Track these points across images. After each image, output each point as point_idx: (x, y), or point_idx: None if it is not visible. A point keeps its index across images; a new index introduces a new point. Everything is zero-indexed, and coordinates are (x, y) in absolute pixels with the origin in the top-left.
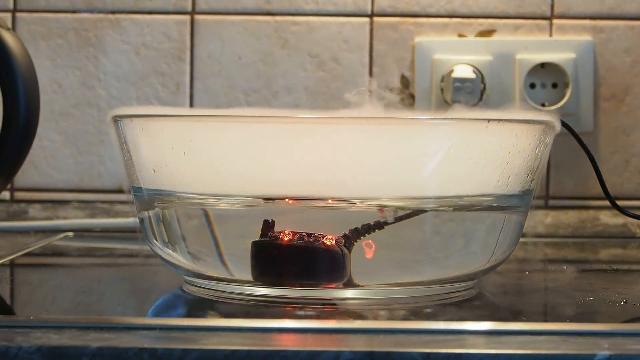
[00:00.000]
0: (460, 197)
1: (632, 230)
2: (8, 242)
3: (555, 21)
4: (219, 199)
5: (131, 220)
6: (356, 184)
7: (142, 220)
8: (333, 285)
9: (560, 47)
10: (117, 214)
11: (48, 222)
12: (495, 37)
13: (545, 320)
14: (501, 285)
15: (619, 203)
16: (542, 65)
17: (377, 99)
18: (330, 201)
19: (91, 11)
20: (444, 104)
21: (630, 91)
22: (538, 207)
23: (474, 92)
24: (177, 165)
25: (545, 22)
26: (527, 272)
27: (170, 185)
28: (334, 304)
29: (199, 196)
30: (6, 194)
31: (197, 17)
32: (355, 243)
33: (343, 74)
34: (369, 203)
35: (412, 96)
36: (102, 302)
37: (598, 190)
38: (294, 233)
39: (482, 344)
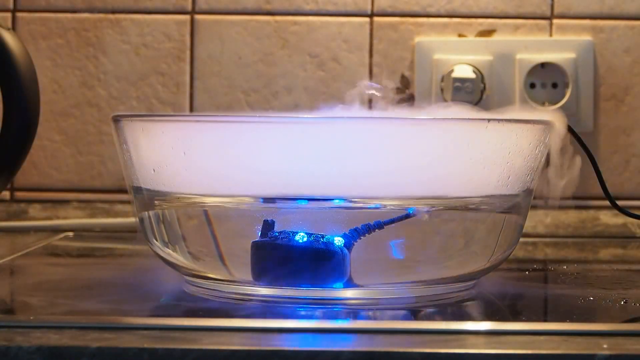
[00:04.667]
0: (460, 197)
1: (632, 230)
2: (8, 242)
3: (555, 21)
4: (219, 199)
5: (131, 220)
6: (356, 184)
7: (142, 220)
8: (333, 285)
9: (560, 47)
10: (117, 214)
11: (48, 222)
12: (495, 37)
13: (545, 320)
14: (501, 285)
15: (619, 203)
16: (542, 65)
17: (377, 99)
18: (330, 201)
19: (91, 11)
20: (444, 104)
21: (630, 91)
22: (538, 207)
23: (474, 92)
24: (177, 165)
25: (545, 22)
26: (527, 272)
27: (170, 185)
28: (334, 304)
29: (199, 196)
30: (6, 194)
31: (197, 17)
32: (355, 243)
33: (343, 74)
34: (369, 203)
35: (412, 96)
36: (102, 302)
37: (598, 190)
38: (294, 233)
39: (482, 344)
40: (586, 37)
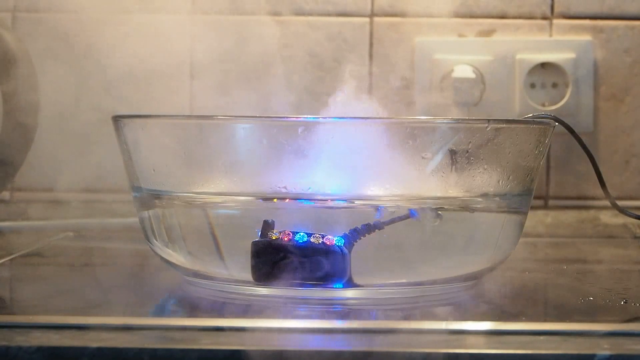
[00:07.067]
0: (460, 197)
1: (632, 230)
2: (8, 242)
3: (555, 21)
4: (219, 198)
5: (131, 220)
6: (356, 184)
7: (142, 220)
8: (333, 285)
9: (560, 47)
10: (117, 214)
11: (48, 222)
12: (495, 37)
13: (545, 320)
14: (501, 285)
15: (619, 203)
16: (542, 65)
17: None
18: (330, 201)
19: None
20: (445, 104)
21: (630, 91)
22: (538, 207)
23: (474, 92)
24: (177, 165)
25: (545, 22)
26: (527, 272)
27: (170, 185)
28: (334, 304)
29: (199, 196)
30: (6, 194)
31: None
32: (355, 243)
33: (343, 74)
34: (369, 203)
35: (412, 96)
36: (102, 302)
37: (598, 190)
38: (294, 233)
39: (482, 344)
40: (586, 37)
